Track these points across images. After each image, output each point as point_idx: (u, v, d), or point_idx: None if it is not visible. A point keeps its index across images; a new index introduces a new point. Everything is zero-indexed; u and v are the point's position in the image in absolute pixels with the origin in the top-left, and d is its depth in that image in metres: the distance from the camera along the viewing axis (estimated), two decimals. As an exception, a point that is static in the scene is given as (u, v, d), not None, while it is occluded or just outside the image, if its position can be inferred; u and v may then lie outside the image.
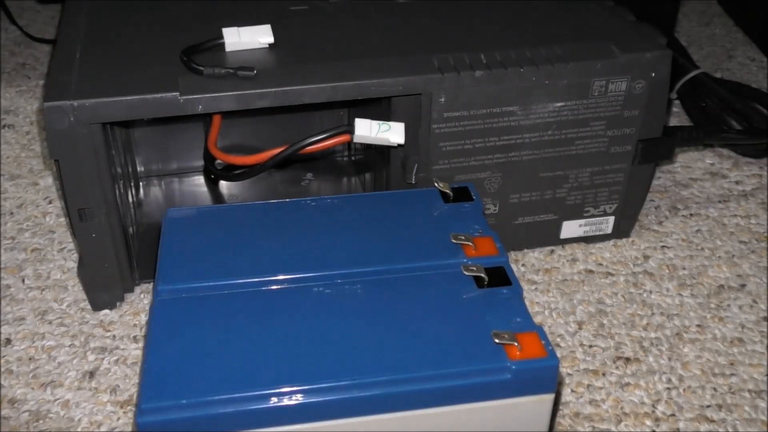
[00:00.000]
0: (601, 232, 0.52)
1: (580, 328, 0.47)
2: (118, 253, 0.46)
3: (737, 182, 0.59)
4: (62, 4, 0.53)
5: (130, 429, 0.40)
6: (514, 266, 0.50)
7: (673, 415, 0.42)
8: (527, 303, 0.40)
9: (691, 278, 0.50)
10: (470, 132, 0.46)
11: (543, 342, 0.34)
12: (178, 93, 0.42)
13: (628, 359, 0.45)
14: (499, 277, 0.38)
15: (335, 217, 0.42)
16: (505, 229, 0.50)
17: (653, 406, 0.42)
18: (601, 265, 0.51)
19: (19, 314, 0.47)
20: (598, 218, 0.52)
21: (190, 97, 0.42)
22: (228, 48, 0.46)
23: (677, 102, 0.66)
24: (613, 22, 0.50)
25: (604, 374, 0.44)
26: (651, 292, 0.49)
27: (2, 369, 0.44)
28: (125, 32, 0.49)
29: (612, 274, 0.51)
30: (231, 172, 0.51)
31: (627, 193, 0.51)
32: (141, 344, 0.45)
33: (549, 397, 0.34)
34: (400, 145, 0.45)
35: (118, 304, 0.47)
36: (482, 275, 0.38)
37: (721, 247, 0.53)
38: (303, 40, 0.48)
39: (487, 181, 0.48)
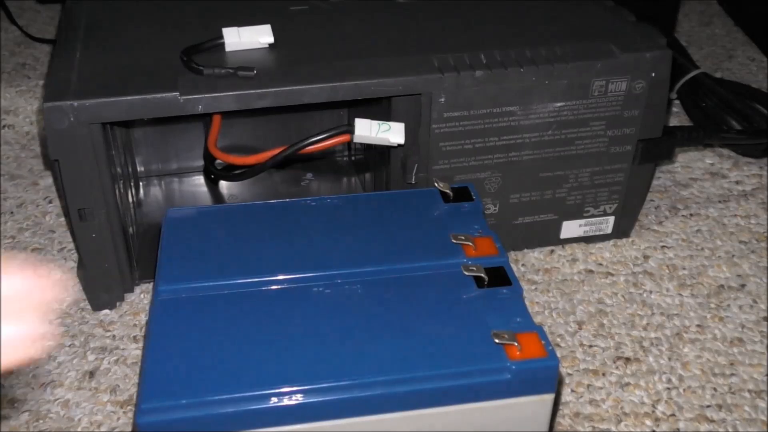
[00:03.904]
0: (601, 232, 0.52)
1: (580, 328, 0.47)
2: (118, 253, 0.46)
3: (737, 182, 0.59)
4: (62, 4, 0.53)
5: (130, 429, 0.40)
6: (514, 266, 0.50)
7: (673, 415, 0.42)
8: (527, 303, 0.40)
9: (691, 278, 0.50)
10: (470, 132, 0.46)
11: (543, 342, 0.34)
12: (178, 93, 0.42)
13: (628, 359, 0.45)
14: (499, 277, 0.38)
15: (335, 217, 0.42)
16: (505, 229, 0.50)
17: (653, 406, 0.42)
18: (601, 265, 0.51)
19: (19, 314, 0.47)
20: (598, 218, 0.52)
21: (190, 97, 0.42)
22: (228, 48, 0.46)
23: (677, 102, 0.66)
24: (613, 22, 0.50)
25: (604, 374, 0.44)
26: (651, 292, 0.49)
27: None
28: (125, 32, 0.49)
29: (612, 274, 0.51)
30: (231, 172, 0.51)
31: (627, 193, 0.51)
32: (141, 344, 0.45)
33: (549, 397, 0.34)
34: (400, 145, 0.45)
35: (118, 304, 0.47)
36: (482, 275, 0.38)
37: (721, 247, 0.53)
38: (303, 40, 0.48)
39: (487, 181, 0.48)
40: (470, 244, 0.40)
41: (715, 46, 0.77)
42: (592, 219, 0.52)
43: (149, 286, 0.49)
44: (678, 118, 0.65)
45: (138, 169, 0.55)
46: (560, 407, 0.42)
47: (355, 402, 0.32)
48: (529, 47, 0.46)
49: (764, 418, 0.42)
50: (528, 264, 0.51)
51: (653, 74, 0.47)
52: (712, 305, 0.48)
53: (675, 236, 0.54)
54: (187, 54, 0.44)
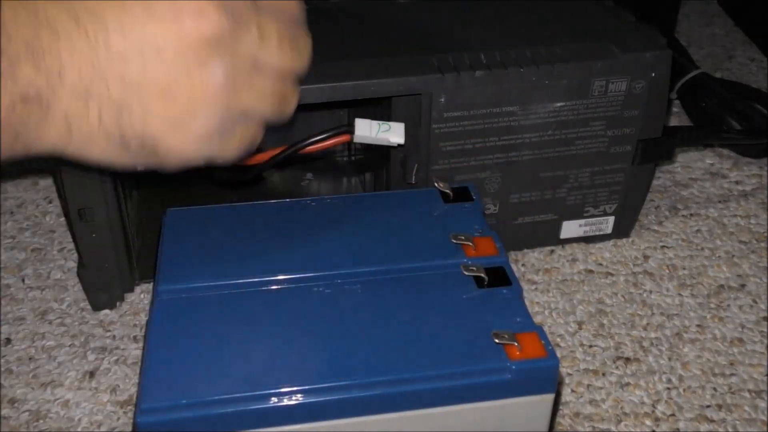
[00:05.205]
0: (601, 232, 0.52)
1: (580, 328, 0.47)
2: (118, 253, 0.46)
3: (737, 182, 0.59)
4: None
5: (130, 429, 0.40)
6: (514, 266, 0.50)
7: (673, 415, 0.42)
8: (527, 303, 0.40)
9: (691, 278, 0.50)
10: (470, 132, 0.46)
11: (543, 342, 0.34)
12: (178, 93, 0.42)
13: (628, 359, 0.45)
14: (499, 277, 0.38)
15: (335, 217, 0.42)
16: (505, 229, 0.50)
17: (653, 406, 0.42)
18: (601, 265, 0.51)
19: (19, 314, 0.47)
20: (598, 218, 0.52)
21: (190, 97, 0.42)
22: (228, 48, 0.46)
23: (677, 102, 0.66)
24: (613, 22, 0.50)
25: (604, 374, 0.44)
26: (651, 292, 0.49)
27: (2, 369, 0.44)
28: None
29: (612, 274, 0.51)
30: (231, 172, 0.50)
31: (627, 193, 0.51)
32: (141, 344, 0.45)
33: (549, 397, 0.34)
34: (400, 145, 0.45)
35: (118, 304, 0.48)
36: (482, 275, 0.38)
37: (721, 247, 0.53)
38: (303, 40, 0.48)
39: (487, 181, 0.48)
40: (470, 244, 0.40)
41: (715, 46, 0.77)
42: (592, 219, 0.52)
43: (149, 286, 0.49)
44: (678, 118, 0.65)
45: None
46: (560, 407, 0.42)
47: (355, 402, 0.32)
48: (529, 47, 0.46)
49: (764, 418, 0.42)
50: (528, 264, 0.51)
51: (653, 74, 0.47)
52: (712, 305, 0.48)
53: (675, 236, 0.54)
54: (187, 54, 0.44)
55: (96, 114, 0.31)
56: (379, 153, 0.49)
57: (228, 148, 0.35)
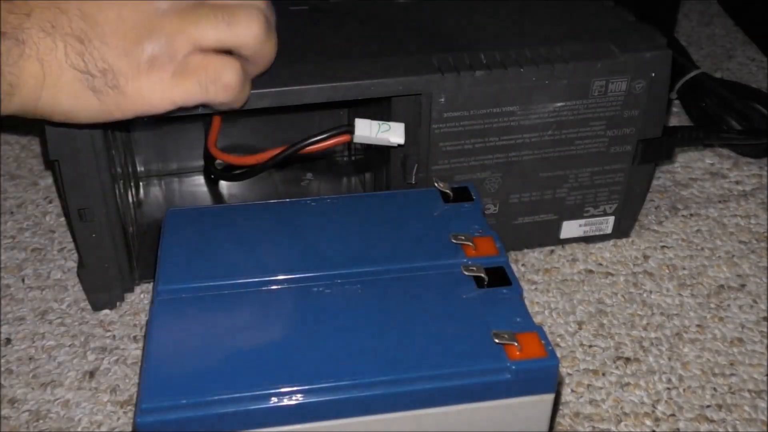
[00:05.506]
0: (601, 232, 0.52)
1: (580, 328, 0.47)
2: (118, 253, 0.46)
3: (737, 182, 0.59)
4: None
5: (130, 429, 0.41)
6: (514, 266, 0.50)
7: (673, 415, 0.42)
8: (527, 303, 0.40)
9: (691, 278, 0.50)
10: (470, 132, 0.46)
11: (543, 342, 0.34)
12: (178, 93, 0.42)
13: (628, 359, 0.45)
14: (499, 277, 0.38)
15: (335, 217, 0.42)
16: (505, 229, 0.50)
17: (653, 406, 0.42)
18: (601, 265, 0.51)
19: (19, 314, 0.47)
20: (598, 218, 0.52)
21: (190, 97, 0.42)
22: (228, 48, 0.46)
23: (677, 102, 0.66)
24: (613, 22, 0.50)
25: (604, 374, 0.44)
26: (651, 292, 0.49)
27: (2, 369, 0.44)
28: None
29: (612, 274, 0.51)
30: (231, 172, 0.51)
31: (627, 193, 0.51)
32: (141, 344, 0.45)
33: (549, 397, 0.34)
34: (400, 145, 0.45)
35: (118, 304, 0.48)
36: (482, 275, 0.38)
37: (721, 247, 0.53)
38: (303, 40, 0.48)
39: (487, 181, 0.48)
40: (470, 244, 0.40)
41: (715, 46, 0.77)
42: (592, 219, 0.52)
43: (149, 286, 0.49)
44: (678, 118, 0.65)
45: (138, 169, 0.55)
46: (560, 407, 0.42)
47: (355, 402, 0.33)
48: (529, 47, 0.46)
49: (764, 418, 0.42)
50: (528, 264, 0.51)
51: (653, 74, 0.47)
52: (712, 305, 0.48)
53: (675, 236, 0.54)
54: (187, 54, 0.44)
55: (62, 48, 0.35)
56: (379, 153, 0.49)
57: (189, 87, 0.37)
